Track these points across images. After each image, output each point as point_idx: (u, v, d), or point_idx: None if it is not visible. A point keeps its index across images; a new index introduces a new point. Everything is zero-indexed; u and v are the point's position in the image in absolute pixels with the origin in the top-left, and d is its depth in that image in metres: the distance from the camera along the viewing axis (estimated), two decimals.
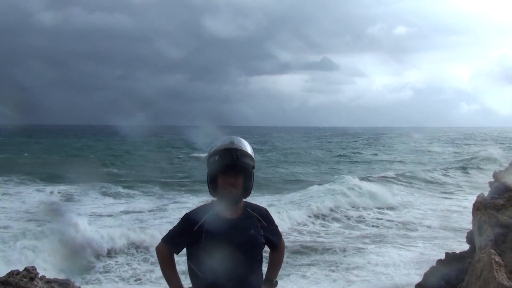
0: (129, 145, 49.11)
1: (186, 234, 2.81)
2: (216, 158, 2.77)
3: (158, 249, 2.93)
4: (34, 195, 19.88)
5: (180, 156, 42.90)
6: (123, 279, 9.93)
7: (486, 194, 5.80)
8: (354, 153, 50.33)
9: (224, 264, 2.74)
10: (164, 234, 2.95)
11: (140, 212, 16.70)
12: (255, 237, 2.89)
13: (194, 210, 2.93)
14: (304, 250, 11.97)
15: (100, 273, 10.24)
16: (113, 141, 59.80)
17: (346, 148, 58.15)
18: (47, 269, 9.13)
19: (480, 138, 75.70)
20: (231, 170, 2.77)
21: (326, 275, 10.07)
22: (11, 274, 4.63)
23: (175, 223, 2.95)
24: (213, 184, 2.83)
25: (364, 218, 16.22)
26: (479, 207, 4.99)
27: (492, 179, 6.47)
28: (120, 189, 21.71)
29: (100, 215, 15.92)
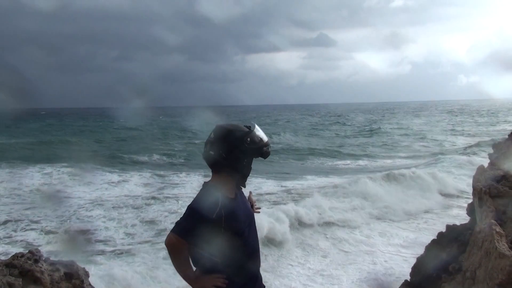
0: (128, 132, 48.38)
1: (206, 223, 2.69)
2: (269, 149, 2.91)
3: (172, 243, 2.75)
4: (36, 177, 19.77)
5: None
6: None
7: (486, 165, 5.82)
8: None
9: (246, 245, 2.82)
10: (173, 226, 2.78)
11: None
12: (252, 210, 3.06)
13: (203, 197, 2.80)
14: None
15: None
16: (110, 125, 59.80)
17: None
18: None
19: None
20: (251, 156, 2.90)
21: None
22: (16, 256, 4.66)
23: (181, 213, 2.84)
24: (226, 163, 2.83)
25: None
26: (480, 178, 5.00)
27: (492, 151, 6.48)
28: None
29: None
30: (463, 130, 45.94)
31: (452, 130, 46.71)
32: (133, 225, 12.00)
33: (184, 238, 2.73)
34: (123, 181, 18.88)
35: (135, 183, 18.43)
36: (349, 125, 59.19)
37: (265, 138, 2.89)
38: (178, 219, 2.80)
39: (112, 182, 18.50)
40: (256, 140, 2.83)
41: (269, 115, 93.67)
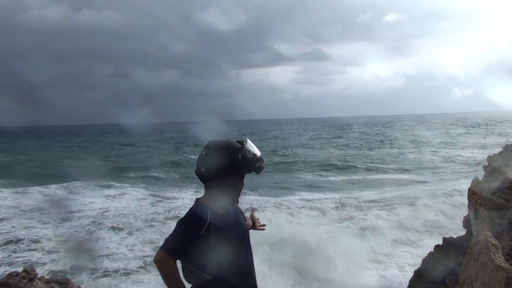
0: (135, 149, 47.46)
1: (194, 240, 2.68)
2: (262, 164, 2.89)
3: (161, 260, 2.72)
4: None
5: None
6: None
7: (481, 178, 5.84)
8: None
9: (237, 261, 2.78)
10: (162, 243, 2.75)
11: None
12: (247, 227, 3.06)
13: (192, 213, 2.79)
14: None
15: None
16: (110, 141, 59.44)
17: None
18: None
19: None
20: (246, 172, 2.89)
21: None
22: (10, 275, 4.63)
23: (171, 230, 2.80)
24: (218, 179, 2.82)
25: None
26: (475, 191, 5.01)
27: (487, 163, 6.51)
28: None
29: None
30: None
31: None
32: (141, 243, 11.93)
33: (172, 255, 2.71)
34: (120, 195, 18.84)
35: (133, 197, 18.40)
36: (365, 136, 57.36)
37: (257, 153, 2.87)
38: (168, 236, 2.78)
39: (110, 196, 18.45)
40: (248, 156, 2.81)
41: (275, 128, 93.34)
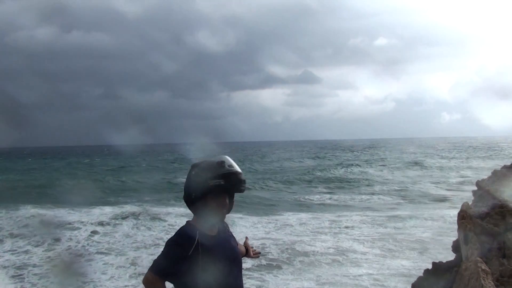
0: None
1: (182, 261, 2.65)
2: (222, 182, 2.73)
3: (149, 282, 2.69)
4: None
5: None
6: None
7: (470, 203, 5.86)
8: None
9: (227, 283, 2.75)
10: (151, 264, 2.72)
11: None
12: (238, 251, 2.98)
13: (180, 234, 2.76)
14: None
15: None
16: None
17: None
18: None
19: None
20: (226, 192, 2.79)
21: None
22: None
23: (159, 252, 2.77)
24: (201, 203, 2.77)
25: None
26: (464, 216, 5.03)
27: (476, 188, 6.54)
28: None
29: None
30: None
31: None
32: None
33: (160, 276, 2.68)
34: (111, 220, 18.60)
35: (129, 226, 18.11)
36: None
37: (238, 171, 2.79)
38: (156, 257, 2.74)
39: (104, 223, 18.16)
40: (229, 177, 2.74)
41: (288, 150, 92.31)
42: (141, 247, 14.06)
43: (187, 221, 2.87)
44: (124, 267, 11.78)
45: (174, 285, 2.77)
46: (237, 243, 3.06)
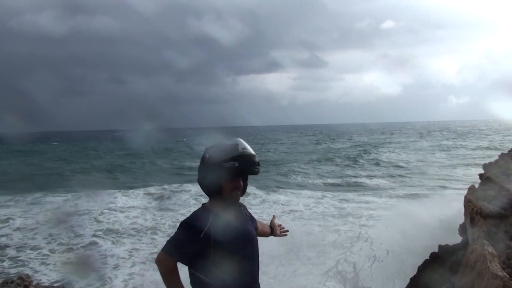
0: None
1: (193, 242, 2.69)
2: (237, 164, 2.76)
3: (161, 261, 2.74)
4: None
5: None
6: None
7: (477, 186, 5.87)
8: None
9: (239, 267, 2.77)
10: (164, 245, 2.76)
11: None
12: (253, 233, 2.99)
13: (193, 216, 2.81)
14: None
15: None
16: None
17: None
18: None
19: None
20: (240, 175, 2.82)
21: None
22: (5, 283, 4.61)
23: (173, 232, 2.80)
24: (215, 185, 2.80)
25: None
26: (471, 199, 5.03)
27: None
28: None
29: None
30: None
31: None
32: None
33: (173, 257, 2.72)
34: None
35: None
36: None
37: (251, 153, 2.82)
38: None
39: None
40: (242, 159, 2.78)
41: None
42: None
43: (203, 204, 2.91)
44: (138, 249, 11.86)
45: (187, 265, 2.81)
46: (255, 224, 3.07)
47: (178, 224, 2.84)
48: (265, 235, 3.35)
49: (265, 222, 3.44)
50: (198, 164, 2.90)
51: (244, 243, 2.85)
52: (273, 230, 3.35)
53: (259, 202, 18.79)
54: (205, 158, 2.84)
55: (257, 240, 3.02)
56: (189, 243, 2.70)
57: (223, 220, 2.79)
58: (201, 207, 2.88)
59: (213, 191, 2.83)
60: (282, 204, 18.63)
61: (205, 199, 3.01)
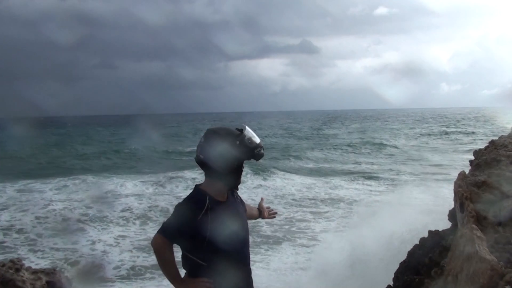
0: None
1: (191, 225, 2.70)
2: (262, 151, 2.86)
3: (157, 243, 2.75)
4: None
5: None
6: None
7: (467, 171, 5.90)
8: None
9: (234, 249, 2.81)
10: (160, 226, 2.81)
11: None
12: (244, 215, 3.02)
13: (190, 198, 2.84)
14: None
15: None
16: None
17: None
18: None
19: None
20: (241, 160, 2.88)
21: None
22: None
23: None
24: (214, 168, 2.82)
25: None
26: (461, 184, 5.07)
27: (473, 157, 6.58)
28: None
29: None
30: None
31: None
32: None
33: (168, 238, 2.73)
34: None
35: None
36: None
37: (257, 140, 2.86)
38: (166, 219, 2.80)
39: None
40: (246, 143, 2.81)
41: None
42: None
43: (196, 185, 2.92)
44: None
45: (181, 248, 2.82)
46: (245, 207, 3.13)
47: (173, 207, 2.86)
48: (253, 217, 3.37)
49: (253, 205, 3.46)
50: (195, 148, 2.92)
51: (238, 227, 2.88)
52: (261, 213, 3.38)
53: (254, 187, 18.89)
54: (207, 139, 2.83)
55: (247, 225, 3.05)
56: (187, 225, 2.71)
57: (219, 203, 2.81)
58: (195, 189, 2.89)
59: (211, 173, 2.84)
60: (273, 189, 18.72)
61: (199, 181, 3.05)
